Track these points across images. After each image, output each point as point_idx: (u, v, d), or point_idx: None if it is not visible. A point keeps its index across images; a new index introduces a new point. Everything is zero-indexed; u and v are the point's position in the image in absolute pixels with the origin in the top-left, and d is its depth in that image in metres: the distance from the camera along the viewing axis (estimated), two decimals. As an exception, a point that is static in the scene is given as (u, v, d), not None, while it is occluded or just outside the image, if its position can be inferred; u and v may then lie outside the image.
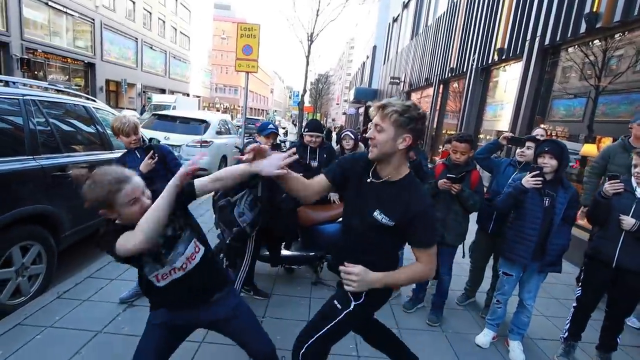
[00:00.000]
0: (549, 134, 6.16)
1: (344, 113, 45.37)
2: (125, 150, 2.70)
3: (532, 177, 2.28)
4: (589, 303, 2.50)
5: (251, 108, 61.66)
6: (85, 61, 20.09)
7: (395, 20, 20.61)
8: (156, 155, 2.59)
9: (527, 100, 6.53)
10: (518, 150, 2.88)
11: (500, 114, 8.29)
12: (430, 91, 12.76)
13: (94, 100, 3.93)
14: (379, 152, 1.40)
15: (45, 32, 17.12)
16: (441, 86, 11.81)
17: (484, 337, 2.72)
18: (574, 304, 2.58)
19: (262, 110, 72.35)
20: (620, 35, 5.00)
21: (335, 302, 1.57)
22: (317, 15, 15.91)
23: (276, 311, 2.86)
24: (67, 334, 2.32)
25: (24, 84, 3.06)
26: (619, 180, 2.30)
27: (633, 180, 2.30)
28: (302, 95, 17.76)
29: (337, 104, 69.69)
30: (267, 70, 76.63)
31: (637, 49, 4.69)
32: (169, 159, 2.71)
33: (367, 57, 29.91)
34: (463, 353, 2.57)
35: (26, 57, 14.87)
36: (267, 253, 3.11)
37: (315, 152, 3.35)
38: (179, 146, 6.58)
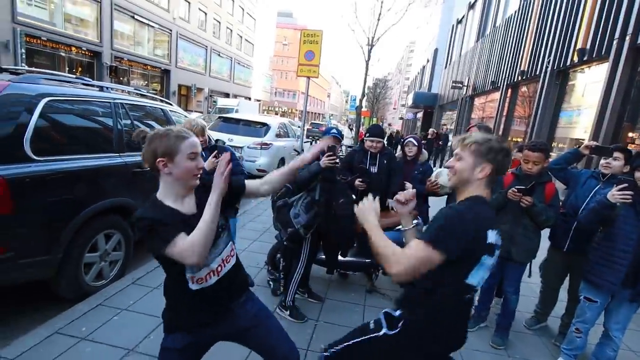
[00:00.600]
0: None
1: (401, 118, 44.40)
2: None
3: (619, 190, 2.00)
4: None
5: (308, 112, 63.07)
6: (162, 68, 22.18)
7: (459, 21, 19.74)
8: (220, 155, 2.74)
9: (614, 105, 5.82)
10: (602, 162, 2.54)
11: (577, 121, 7.52)
12: (496, 95, 11.98)
13: (170, 104, 4.29)
14: (456, 180, 1.40)
15: (131, 42, 19.23)
16: (509, 90, 11.03)
17: None
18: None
19: (319, 114, 73.55)
20: None
21: (373, 321, 1.52)
22: (379, 19, 15.72)
23: (329, 316, 2.86)
24: (139, 318, 2.53)
25: (114, 89, 3.43)
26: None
27: None
28: (361, 100, 17.66)
29: (394, 108, 68.44)
30: (325, 74, 77.86)
31: None
32: (232, 158, 2.85)
33: (428, 61, 28.99)
34: (532, 383, 2.34)
35: (114, 64, 16.76)
36: (324, 257, 3.12)
37: (376, 157, 3.30)
38: (241, 147, 6.92)
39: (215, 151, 2.76)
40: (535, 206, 2.38)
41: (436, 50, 25.59)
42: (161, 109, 3.92)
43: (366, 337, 1.46)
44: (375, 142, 3.27)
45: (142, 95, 3.89)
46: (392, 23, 20.18)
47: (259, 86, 40.11)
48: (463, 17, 18.78)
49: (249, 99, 33.80)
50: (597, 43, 6.54)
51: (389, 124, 57.01)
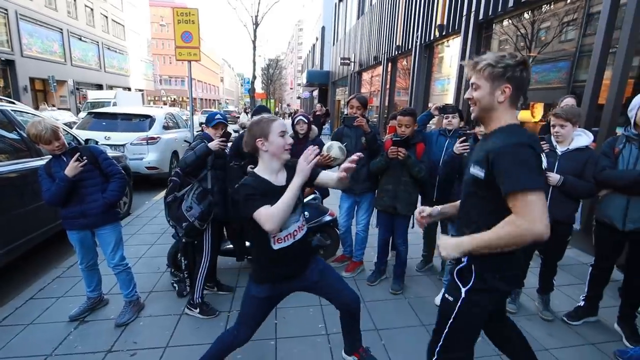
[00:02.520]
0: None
1: (299, 97, 44.97)
2: (51, 157, 2.38)
3: (460, 143, 2.44)
4: (527, 252, 2.74)
5: (201, 99, 59.08)
6: (2, 58, 17.92)
7: (341, 0, 20.48)
8: (84, 157, 2.31)
9: (467, 74, 6.83)
10: (445, 120, 3.04)
11: (448, 88, 8.63)
12: (379, 70, 12.96)
13: (13, 102, 3.54)
14: (478, 110, 1.36)
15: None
16: (389, 64, 12.03)
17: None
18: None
19: (214, 100, 69.61)
20: (545, 8, 5.36)
21: (447, 295, 1.47)
22: (260, -3, 15.32)
23: (242, 303, 2.84)
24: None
25: None
26: (545, 141, 2.52)
27: (553, 139, 2.54)
28: (252, 82, 17.24)
29: (291, 88, 68.83)
30: (215, 58, 73.33)
31: (559, 20, 5.05)
32: (101, 159, 2.46)
33: (317, 39, 29.62)
34: (424, 314, 2.74)
35: None
36: (230, 247, 3.05)
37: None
38: (122, 145, 6.17)
39: (77, 154, 2.29)
40: (410, 158, 2.75)
41: (323, 28, 26.26)
42: (0, 110, 3.21)
43: (454, 313, 1.40)
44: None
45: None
46: (274, 1, 19.91)
47: (139, 74, 35.71)
48: (343, -5, 19.53)
49: (129, 89, 29.97)
50: (452, 19, 7.52)
51: (288, 104, 57.35)
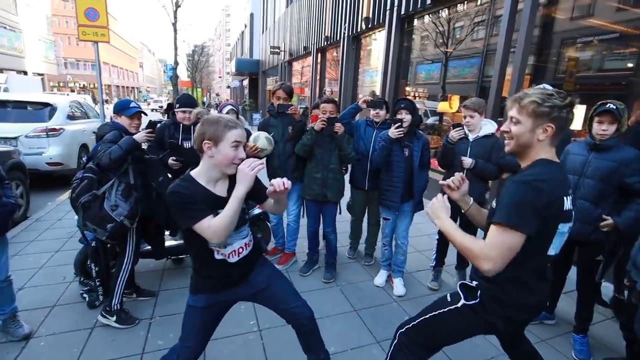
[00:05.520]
0: (413, 95, 6.95)
1: (229, 86, 43.12)
2: None
3: (395, 128, 2.59)
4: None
5: (117, 86, 53.45)
6: None
7: (268, -14, 19.96)
8: None
9: (392, 67, 7.17)
10: (372, 112, 3.14)
11: (376, 80, 8.93)
12: (310, 60, 12.96)
13: None
14: (515, 145, 1.29)
15: None
16: (319, 55, 12.09)
17: (380, 277, 3.11)
18: (437, 237, 3.14)
19: (133, 88, 63.45)
20: (460, 7, 5.80)
21: (448, 294, 1.49)
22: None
23: (167, 307, 2.63)
24: None
25: None
26: (461, 128, 2.75)
27: (465, 128, 2.82)
28: (175, 69, 16.01)
29: (220, 77, 65.81)
30: (132, 41, 66.49)
31: (471, 20, 5.53)
32: None
33: (245, 26, 28.57)
34: (356, 299, 2.83)
35: None
36: (149, 247, 2.79)
37: (190, 130, 3.05)
38: (15, 138, 5.26)
39: None
40: (344, 136, 2.83)
41: (252, 15, 25.39)
42: None
43: (444, 309, 1.43)
44: (188, 112, 3.01)
45: None
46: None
47: (38, 55, 30.79)
48: (271, -19, 19.03)
49: (25, 73, 25.87)
50: (377, 13, 7.78)
51: (217, 94, 54.73)
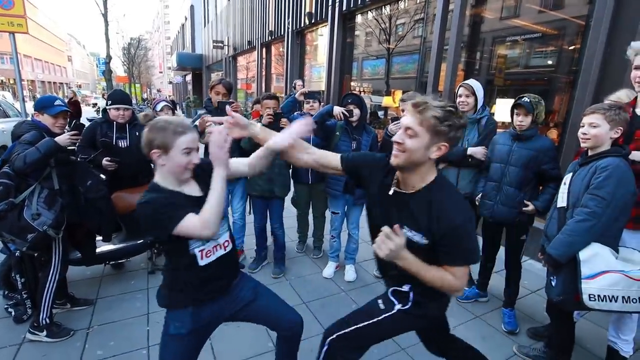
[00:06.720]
0: (360, 90, 7.14)
1: (170, 82, 40.87)
2: None
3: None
4: None
5: (43, 81, 48.15)
6: None
7: (208, -23, 19.19)
8: None
9: (336, 62, 7.32)
10: (307, 106, 3.21)
11: (324, 76, 9.05)
12: (255, 55, 12.75)
13: None
14: (405, 160, 1.20)
15: None
16: (264, 49, 11.94)
17: (329, 269, 3.20)
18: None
19: (61, 83, 57.49)
20: (402, 4, 6.06)
21: (380, 301, 1.45)
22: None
23: (105, 315, 2.49)
24: None
25: None
26: (399, 122, 2.93)
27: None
28: (108, 63, 14.81)
29: (160, 72, 62.13)
30: (58, 33, 59.99)
31: (411, 17, 5.82)
32: None
33: (186, 19, 27.26)
34: (305, 292, 2.89)
35: None
36: (79, 255, 2.61)
37: (125, 129, 2.86)
38: None
39: None
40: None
41: (192, 7, 24.29)
42: None
43: (378, 318, 1.41)
44: (122, 109, 2.82)
45: None
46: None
47: (-61, 47, 26.81)
48: (211, -28, 18.32)
49: None
50: (320, 8, 7.85)
51: (158, 90, 51.71)
